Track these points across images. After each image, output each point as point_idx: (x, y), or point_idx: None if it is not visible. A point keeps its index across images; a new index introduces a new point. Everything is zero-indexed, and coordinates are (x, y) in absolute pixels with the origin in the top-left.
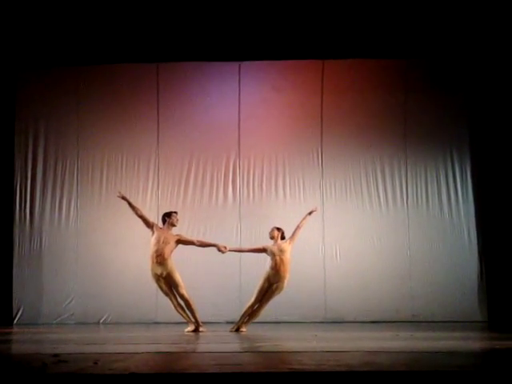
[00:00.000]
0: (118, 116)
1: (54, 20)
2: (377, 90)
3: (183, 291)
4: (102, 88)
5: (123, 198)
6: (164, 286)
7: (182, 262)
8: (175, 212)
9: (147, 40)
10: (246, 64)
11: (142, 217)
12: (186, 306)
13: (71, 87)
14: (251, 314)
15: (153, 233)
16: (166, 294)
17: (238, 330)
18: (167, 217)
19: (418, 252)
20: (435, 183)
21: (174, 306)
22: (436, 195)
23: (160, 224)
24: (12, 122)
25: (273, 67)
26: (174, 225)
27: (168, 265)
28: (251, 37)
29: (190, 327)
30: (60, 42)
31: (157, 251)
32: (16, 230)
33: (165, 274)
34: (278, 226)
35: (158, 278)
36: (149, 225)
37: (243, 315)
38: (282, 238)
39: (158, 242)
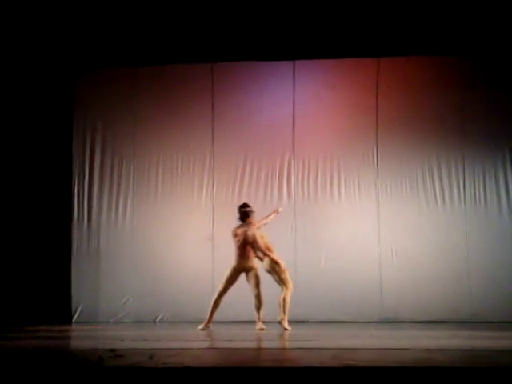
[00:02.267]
0: (173, 116)
1: (112, 21)
2: (433, 88)
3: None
4: (157, 88)
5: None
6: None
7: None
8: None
9: (202, 40)
10: (300, 63)
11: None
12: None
13: (127, 88)
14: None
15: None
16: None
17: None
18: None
19: (476, 252)
20: (493, 182)
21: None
22: (494, 194)
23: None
24: (70, 121)
25: (327, 65)
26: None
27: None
28: (305, 35)
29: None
30: (117, 42)
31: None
32: (74, 230)
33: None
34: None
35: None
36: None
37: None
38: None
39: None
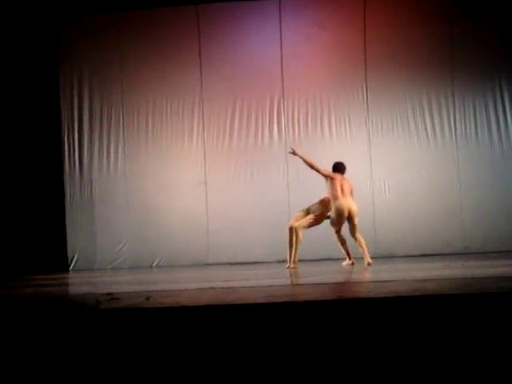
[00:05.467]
0: (160, 61)
1: None
2: (421, 21)
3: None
4: (142, 34)
5: (295, 153)
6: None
7: (232, 203)
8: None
9: None
10: (286, 1)
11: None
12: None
13: (112, 35)
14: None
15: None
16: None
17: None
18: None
19: (468, 184)
20: (484, 113)
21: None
22: (485, 125)
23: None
24: (56, 71)
25: (313, 3)
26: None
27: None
28: None
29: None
30: None
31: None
32: (66, 179)
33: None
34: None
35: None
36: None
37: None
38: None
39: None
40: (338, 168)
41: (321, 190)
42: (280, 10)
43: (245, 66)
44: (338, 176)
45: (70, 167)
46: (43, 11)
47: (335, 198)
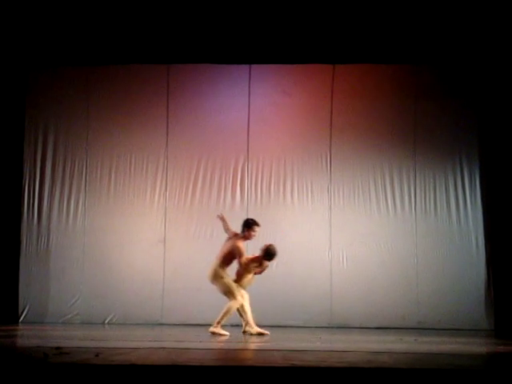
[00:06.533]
0: (127, 117)
1: (65, 20)
2: (386, 96)
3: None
4: (111, 88)
5: (221, 217)
6: None
7: (189, 263)
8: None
9: (158, 41)
10: (256, 67)
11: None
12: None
13: (81, 87)
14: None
15: None
16: None
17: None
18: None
19: (425, 259)
20: (444, 190)
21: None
22: (444, 202)
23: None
24: (22, 121)
25: (283, 71)
26: (248, 239)
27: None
28: (262, 40)
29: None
30: (70, 41)
31: None
32: (24, 229)
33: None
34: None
35: None
36: None
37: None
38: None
39: None
40: None
41: (281, 256)
42: (250, 75)
43: (211, 127)
44: (231, 237)
45: (28, 216)
46: (12, 61)
47: None
